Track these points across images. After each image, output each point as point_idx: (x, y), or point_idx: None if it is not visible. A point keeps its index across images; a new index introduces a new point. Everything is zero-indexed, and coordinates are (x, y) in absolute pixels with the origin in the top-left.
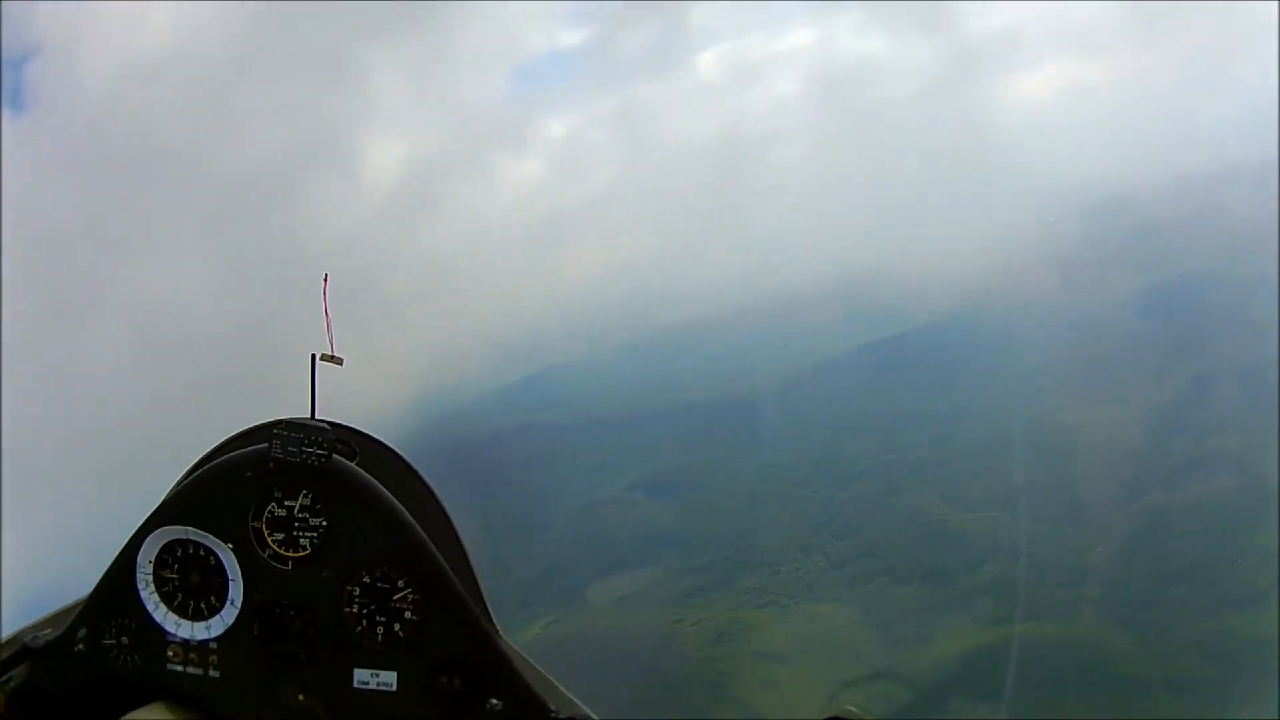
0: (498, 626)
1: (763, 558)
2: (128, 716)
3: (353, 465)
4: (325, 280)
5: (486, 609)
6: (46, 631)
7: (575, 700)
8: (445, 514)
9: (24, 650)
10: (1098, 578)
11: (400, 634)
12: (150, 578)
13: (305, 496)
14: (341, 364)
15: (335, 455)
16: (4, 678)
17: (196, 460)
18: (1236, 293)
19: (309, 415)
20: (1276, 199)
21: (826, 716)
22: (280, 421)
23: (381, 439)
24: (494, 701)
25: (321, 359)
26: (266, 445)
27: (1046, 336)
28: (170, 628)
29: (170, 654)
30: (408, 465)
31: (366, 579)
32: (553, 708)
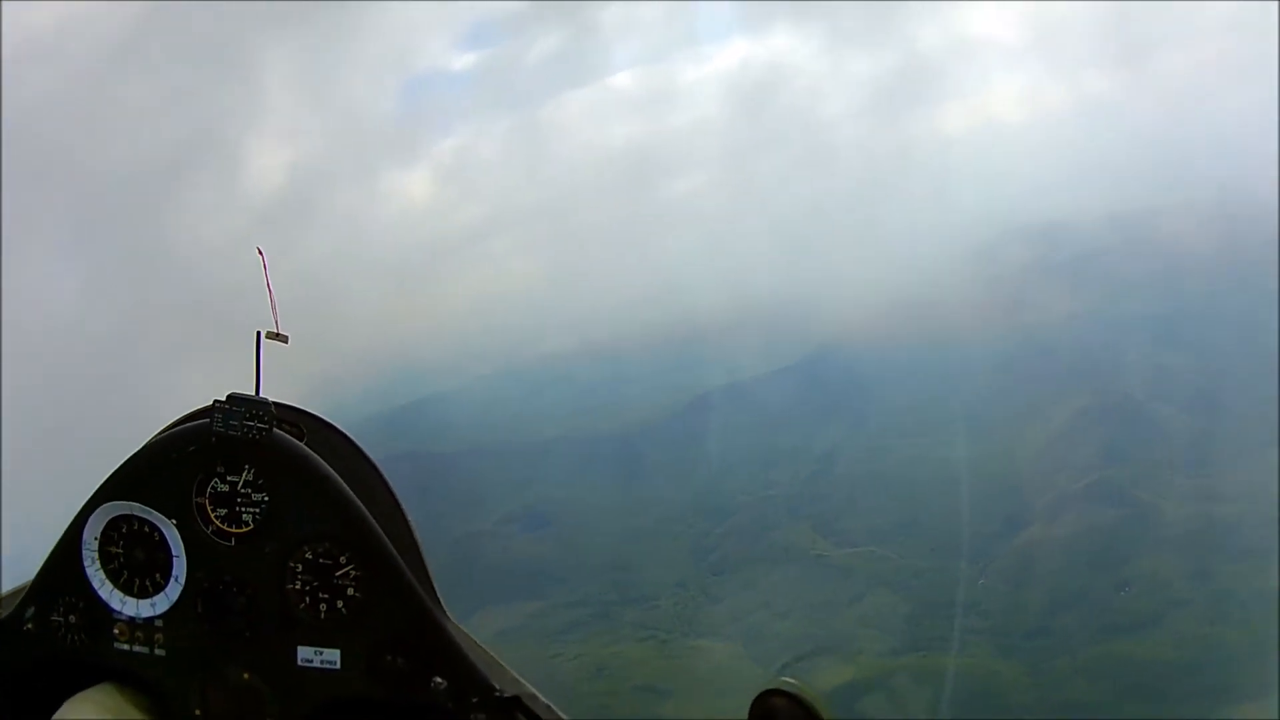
0: (445, 608)
1: (641, 592)
2: (75, 698)
3: (295, 440)
4: (262, 254)
5: (434, 590)
6: None
7: (520, 679)
8: (393, 496)
9: None
10: (983, 609)
11: (343, 611)
12: (96, 554)
13: (248, 472)
14: (287, 342)
15: (277, 430)
16: None
17: (148, 440)
18: (1113, 333)
19: (254, 391)
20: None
21: (762, 690)
22: (224, 396)
23: (331, 420)
24: (438, 680)
25: (267, 337)
26: (208, 419)
27: (931, 371)
28: (116, 605)
29: (117, 632)
30: (356, 447)
31: (309, 555)
32: (498, 686)
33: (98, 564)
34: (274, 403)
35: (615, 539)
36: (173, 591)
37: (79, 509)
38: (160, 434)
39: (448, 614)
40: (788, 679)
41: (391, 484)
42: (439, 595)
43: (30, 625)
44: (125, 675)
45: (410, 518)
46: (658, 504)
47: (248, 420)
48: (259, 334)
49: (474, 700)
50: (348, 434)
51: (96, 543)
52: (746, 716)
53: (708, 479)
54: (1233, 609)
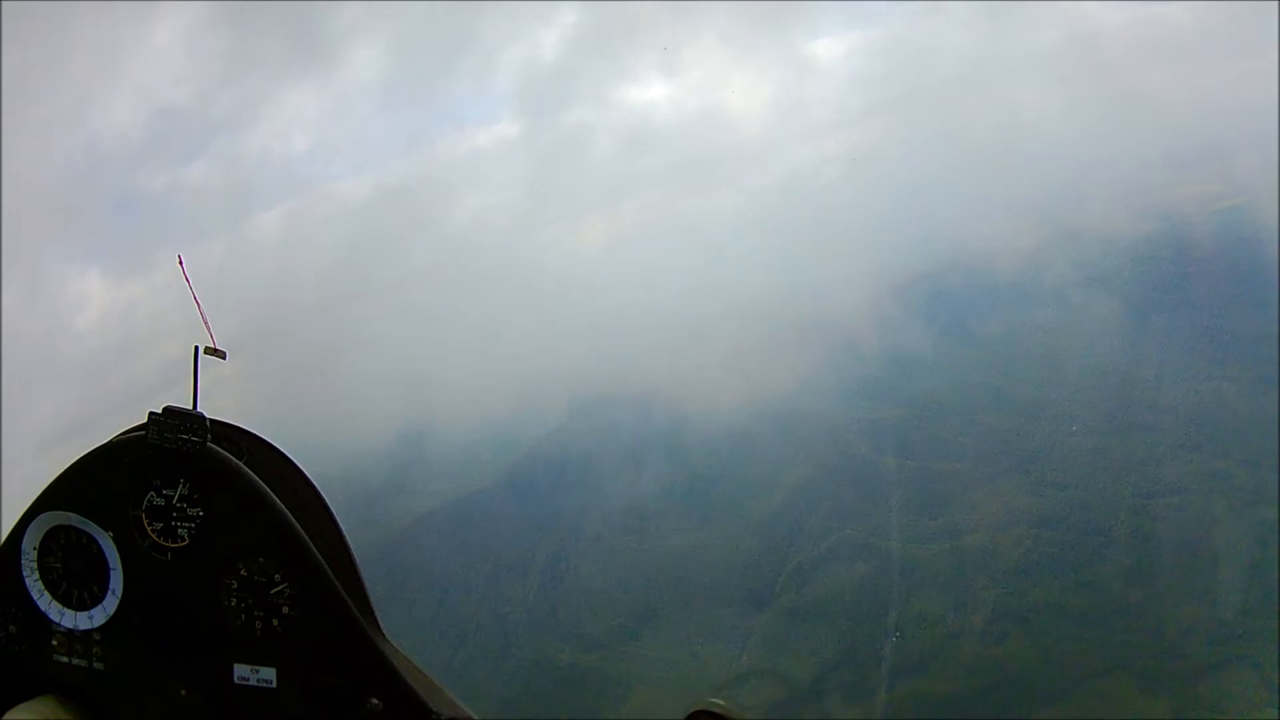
0: (381, 628)
1: None
2: (15, 710)
3: (229, 456)
4: (181, 263)
5: (371, 609)
6: None
7: (457, 701)
8: (330, 515)
9: None
10: (753, 685)
11: (278, 629)
12: (35, 564)
13: (184, 486)
14: (225, 358)
15: (211, 444)
16: None
17: (89, 450)
18: (832, 397)
19: (191, 406)
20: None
21: (691, 711)
22: (160, 409)
23: (269, 439)
24: (374, 701)
25: (205, 352)
26: (144, 431)
27: (646, 461)
28: (54, 616)
29: (55, 644)
30: (294, 466)
31: (244, 571)
32: (434, 708)
33: (36, 574)
34: (211, 419)
35: None
36: (110, 605)
37: (18, 517)
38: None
39: (384, 635)
40: (715, 700)
41: (330, 504)
42: (377, 616)
43: None
44: (66, 688)
45: (348, 538)
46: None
47: (182, 434)
48: (196, 348)
49: None
50: (285, 453)
51: (35, 553)
52: None
53: (443, 602)
54: (1010, 626)
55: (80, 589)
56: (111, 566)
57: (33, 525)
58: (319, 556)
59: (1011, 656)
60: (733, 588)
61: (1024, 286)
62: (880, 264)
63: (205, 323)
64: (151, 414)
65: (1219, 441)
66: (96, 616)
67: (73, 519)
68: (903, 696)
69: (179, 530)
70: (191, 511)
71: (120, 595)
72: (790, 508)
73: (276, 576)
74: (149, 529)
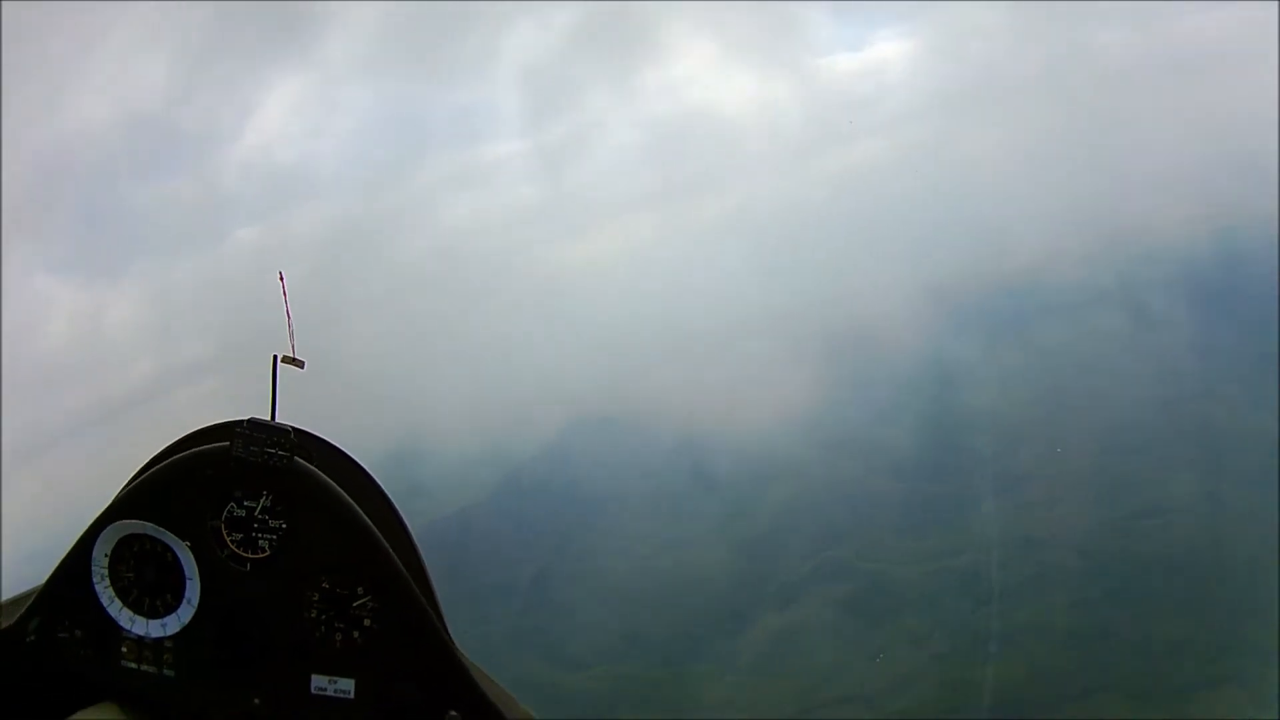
0: (453, 638)
1: None
2: (76, 716)
3: (315, 471)
4: (282, 278)
5: (443, 620)
6: None
7: (532, 714)
8: (403, 524)
9: None
10: (739, 703)
11: (359, 641)
12: (106, 572)
13: (266, 498)
14: (303, 367)
15: (297, 458)
16: None
17: (152, 457)
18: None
19: (270, 417)
20: None
21: None
22: (243, 420)
23: (340, 446)
24: (453, 713)
25: (283, 361)
26: (228, 443)
27: (618, 487)
28: (125, 623)
29: (124, 650)
30: (369, 477)
31: (326, 585)
32: (510, 718)
33: (107, 581)
34: (293, 429)
35: None
36: (184, 613)
37: (89, 523)
38: (170, 449)
39: (457, 645)
40: None
41: (403, 514)
42: (448, 627)
43: (34, 638)
44: (127, 695)
45: (418, 544)
46: None
47: (268, 447)
48: (275, 358)
49: None
50: (360, 463)
51: (107, 560)
52: None
53: None
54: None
55: (153, 597)
56: (188, 576)
57: (104, 534)
58: (404, 572)
59: (997, 675)
60: (719, 609)
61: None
62: (880, 281)
63: (290, 333)
64: (236, 426)
65: (1213, 460)
66: (170, 624)
67: (148, 528)
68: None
69: (260, 541)
70: (274, 524)
71: (196, 604)
72: (780, 530)
73: (359, 590)
74: (228, 540)
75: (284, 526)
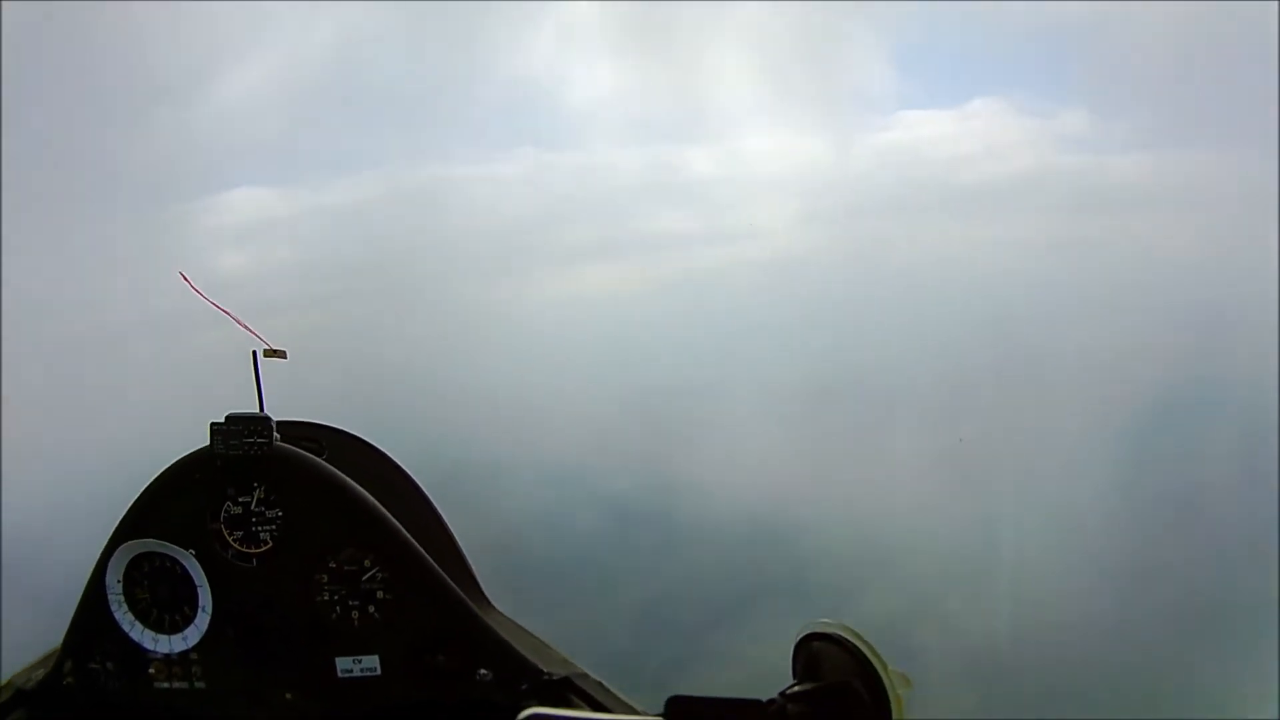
0: (487, 597)
1: None
2: None
3: (298, 450)
4: (185, 278)
5: (474, 581)
6: (39, 672)
7: (570, 660)
8: (424, 497)
9: (18, 695)
10: None
11: (376, 616)
12: (122, 597)
13: (259, 490)
14: (285, 357)
15: (279, 443)
16: None
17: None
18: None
19: (256, 411)
20: None
21: (801, 635)
22: (224, 419)
23: (347, 429)
24: (484, 672)
25: (265, 354)
26: (209, 444)
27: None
28: (149, 644)
29: (154, 671)
30: (378, 452)
31: (333, 564)
32: (545, 669)
33: (124, 606)
34: (286, 420)
35: None
36: (202, 622)
37: (98, 556)
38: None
39: (491, 604)
40: (827, 620)
41: (420, 483)
42: (481, 586)
43: (70, 679)
44: (168, 715)
45: (443, 514)
46: None
47: (247, 438)
48: (255, 353)
49: (523, 687)
50: (368, 440)
51: (120, 585)
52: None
53: None
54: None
55: (170, 612)
56: (198, 584)
57: (113, 560)
58: (407, 536)
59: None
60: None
61: None
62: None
63: (246, 327)
64: (213, 425)
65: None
66: (190, 636)
67: (151, 544)
68: None
69: (261, 534)
70: (271, 514)
71: (211, 610)
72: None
73: (366, 563)
74: (230, 539)
75: (281, 515)
